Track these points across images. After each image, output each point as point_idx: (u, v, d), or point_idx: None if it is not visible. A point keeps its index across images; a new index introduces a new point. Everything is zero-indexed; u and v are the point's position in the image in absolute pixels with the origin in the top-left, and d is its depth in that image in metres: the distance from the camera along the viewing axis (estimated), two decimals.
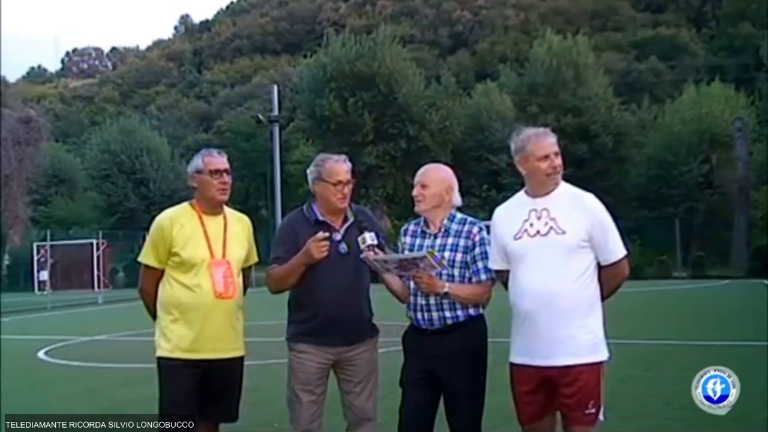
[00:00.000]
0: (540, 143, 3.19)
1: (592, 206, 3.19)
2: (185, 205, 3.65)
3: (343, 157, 3.67)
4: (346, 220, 3.62)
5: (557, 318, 3.08)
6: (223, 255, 3.53)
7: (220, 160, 3.60)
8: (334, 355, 3.57)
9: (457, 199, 3.56)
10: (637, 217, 30.89)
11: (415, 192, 3.51)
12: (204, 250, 3.50)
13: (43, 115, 40.11)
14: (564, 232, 3.11)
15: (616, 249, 3.19)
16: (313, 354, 3.54)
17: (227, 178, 3.59)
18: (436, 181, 3.50)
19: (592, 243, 3.14)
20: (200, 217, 3.56)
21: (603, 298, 3.22)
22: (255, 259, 3.77)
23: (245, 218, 3.78)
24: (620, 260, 3.20)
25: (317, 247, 3.40)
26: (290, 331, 3.64)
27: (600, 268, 3.20)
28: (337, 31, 42.60)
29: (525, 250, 3.16)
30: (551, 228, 3.13)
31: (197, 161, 3.59)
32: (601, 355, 3.15)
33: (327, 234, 3.45)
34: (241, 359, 3.63)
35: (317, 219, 3.59)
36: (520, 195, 3.33)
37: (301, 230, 3.57)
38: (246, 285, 3.69)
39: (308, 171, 3.67)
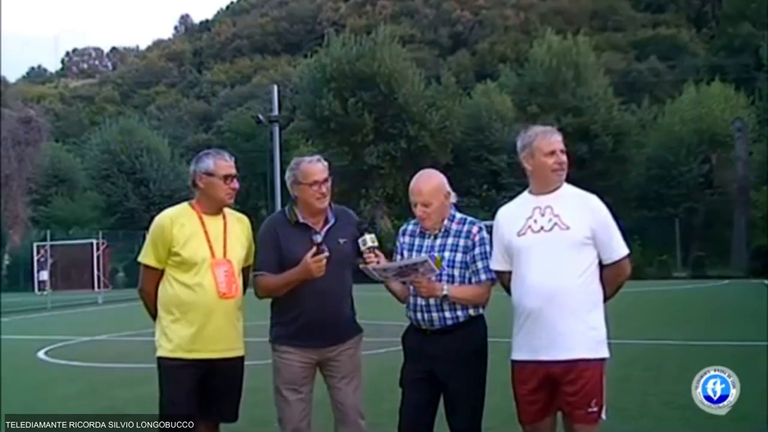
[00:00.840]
0: (547, 139, 3.25)
1: (595, 206, 3.23)
2: (185, 205, 3.65)
3: (317, 157, 3.68)
4: (326, 222, 3.62)
5: (562, 313, 3.09)
6: (224, 255, 3.53)
7: (232, 165, 3.61)
8: (317, 356, 3.59)
9: (453, 198, 3.55)
10: (637, 217, 30.84)
11: (418, 212, 3.47)
12: (205, 249, 3.50)
13: (43, 115, 40.16)
14: (568, 228, 3.14)
15: (618, 247, 3.22)
16: (295, 354, 3.56)
17: (236, 184, 3.61)
18: (435, 194, 3.46)
19: (595, 241, 3.17)
20: (200, 217, 3.57)
21: (605, 298, 3.23)
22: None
23: (244, 218, 3.79)
24: (622, 259, 3.23)
25: (318, 267, 3.40)
26: (273, 334, 3.66)
27: (602, 267, 3.22)
28: (337, 31, 42.57)
29: (529, 246, 3.18)
30: (555, 224, 3.16)
31: (208, 163, 3.57)
32: (604, 352, 3.17)
33: (326, 253, 3.42)
34: (241, 359, 3.63)
35: (297, 221, 3.59)
36: (524, 195, 3.36)
37: (282, 232, 3.58)
38: (245, 285, 3.69)
39: (286, 177, 3.67)
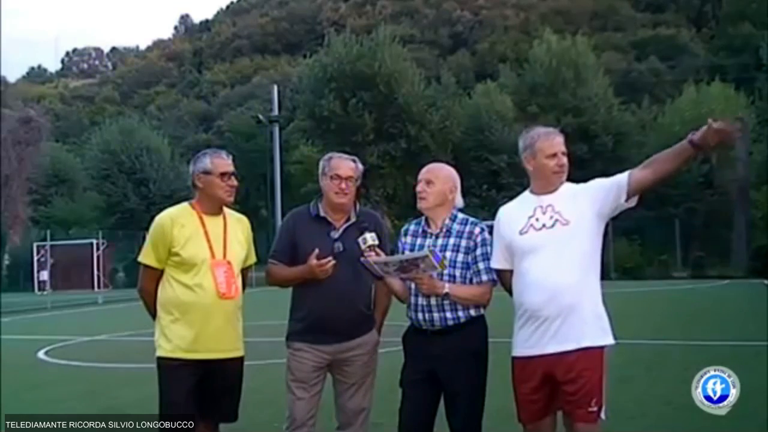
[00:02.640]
0: (549, 141, 3.26)
1: (579, 186, 3.28)
2: (185, 205, 3.65)
3: (352, 157, 3.74)
4: (347, 220, 3.64)
5: (564, 309, 3.11)
6: (224, 255, 3.53)
7: (229, 162, 3.61)
8: (330, 355, 3.59)
9: (459, 201, 3.56)
10: (637, 217, 30.76)
11: (419, 188, 3.51)
12: (205, 250, 3.50)
13: (43, 115, 40.18)
14: (568, 222, 3.17)
15: (621, 175, 3.19)
16: (308, 352, 3.58)
17: (234, 181, 3.61)
18: (441, 178, 3.51)
19: (608, 200, 3.17)
20: (200, 218, 3.57)
21: (660, 168, 3.14)
22: (253, 259, 3.77)
23: (244, 219, 3.79)
24: (631, 171, 3.18)
25: (322, 271, 3.45)
26: (289, 330, 3.70)
27: (633, 191, 3.16)
28: (337, 31, 42.49)
29: (531, 244, 3.19)
30: (556, 220, 3.19)
31: (205, 162, 3.58)
32: (610, 338, 3.19)
33: (332, 261, 3.46)
34: (240, 359, 3.63)
35: (318, 214, 3.63)
36: (525, 194, 3.38)
37: (300, 224, 3.64)
38: (244, 285, 3.69)
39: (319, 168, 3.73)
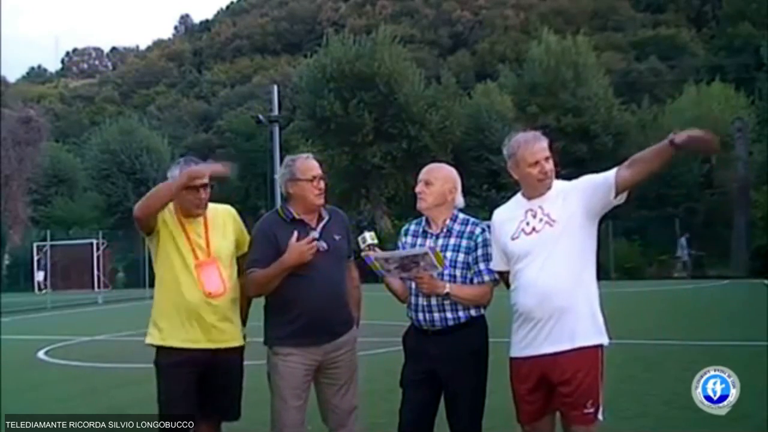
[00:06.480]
0: (530, 149, 3.22)
1: (567, 183, 3.24)
2: (169, 205, 3.60)
3: (308, 154, 3.69)
4: (321, 218, 3.62)
5: (556, 311, 3.11)
6: (208, 254, 3.52)
7: (198, 170, 3.47)
8: (320, 356, 3.54)
9: (460, 201, 3.56)
10: (637, 217, 30.84)
11: (417, 189, 3.50)
12: (188, 252, 3.49)
13: (43, 115, 40.28)
14: (556, 221, 3.16)
15: (608, 174, 3.14)
16: (300, 356, 3.50)
17: (203, 194, 3.50)
18: (441, 179, 3.50)
19: (596, 198, 3.13)
20: (180, 220, 3.55)
21: (640, 170, 3.09)
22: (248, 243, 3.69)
23: (227, 208, 3.73)
24: (618, 170, 3.12)
25: (309, 248, 3.40)
26: (272, 335, 3.56)
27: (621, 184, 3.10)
28: (337, 31, 42.48)
29: (522, 249, 3.20)
30: (546, 222, 3.18)
31: (174, 172, 3.50)
32: (604, 338, 3.18)
33: (316, 235, 3.44)
34: (240, 350, 3.60)
35: (293, 218, 3.57)
36: (518, 197, 3.37)
37: (279, 231, 3.53)
38: (241, 272, 3.62)
39: (279, 175, 3.66)
